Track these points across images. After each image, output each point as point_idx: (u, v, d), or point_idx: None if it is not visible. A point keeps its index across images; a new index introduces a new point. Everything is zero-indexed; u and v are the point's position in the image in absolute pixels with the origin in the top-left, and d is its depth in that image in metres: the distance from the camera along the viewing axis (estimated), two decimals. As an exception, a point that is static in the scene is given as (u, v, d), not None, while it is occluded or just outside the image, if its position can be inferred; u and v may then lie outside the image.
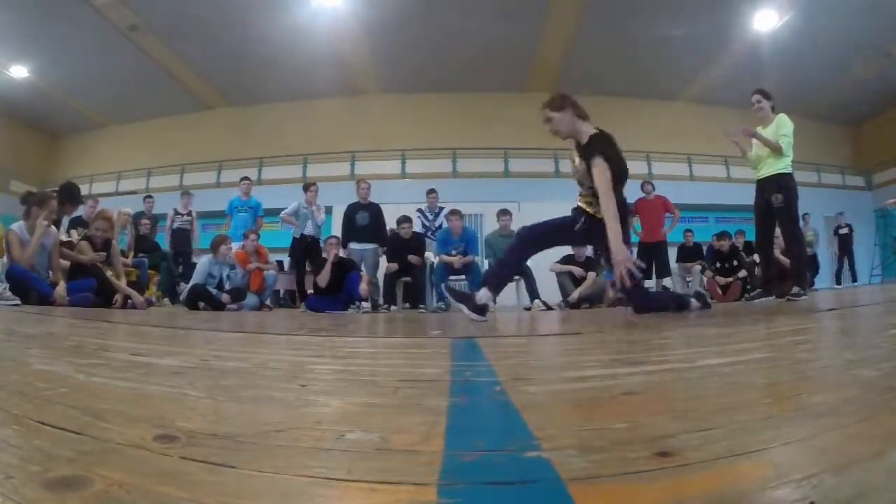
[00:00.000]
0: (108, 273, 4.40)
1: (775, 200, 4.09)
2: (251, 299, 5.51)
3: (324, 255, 5.42)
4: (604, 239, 2.59)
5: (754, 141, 4.33)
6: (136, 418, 0.54)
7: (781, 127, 4.14)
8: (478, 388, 0.76)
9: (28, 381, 0.75)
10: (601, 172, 2.56)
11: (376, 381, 0.84)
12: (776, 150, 4.10)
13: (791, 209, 4.14)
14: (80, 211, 6.14)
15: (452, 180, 11.12)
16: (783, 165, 4.15)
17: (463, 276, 5.86)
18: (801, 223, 10.11)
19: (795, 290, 4.05)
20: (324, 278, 5.20)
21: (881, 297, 3.93)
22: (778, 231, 4.43)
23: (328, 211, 7.07)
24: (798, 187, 4.26)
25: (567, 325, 2.40)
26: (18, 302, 3.68)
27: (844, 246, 10.14)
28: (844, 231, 10.17)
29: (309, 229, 6.21)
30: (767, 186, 4.17)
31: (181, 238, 7.11)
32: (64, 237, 5.04)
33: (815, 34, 9.55)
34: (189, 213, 7.24)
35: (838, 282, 10.30)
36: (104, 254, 4.49)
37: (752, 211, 4.47)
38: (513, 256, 2.90)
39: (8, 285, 3.92)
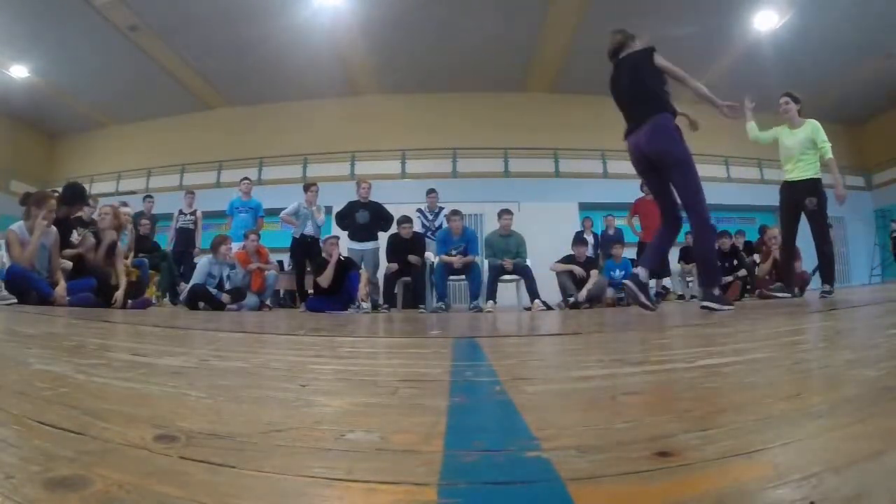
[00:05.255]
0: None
1: (809, 204, 4.27)
2: (251, 299, 5.51)
3: (324, 255, 5.43)
4: None
5: (784, 140, 4.45)
6: (136, 418, 0.54)
7: (819, 132, 4.28)
8: (478, 388, 0.76)
9: (28, 381, 0.75)
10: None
11: (376, 381, 0.84)
12: (834, 166, 4.32)
13: (824, 212, 4.33)
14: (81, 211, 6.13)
15: (452, 180, 11.12)
16: (816, 170, 4.31)
17: (463, 277, 5.86)
18: None
19: (827, 287, 4.19)
20: (326, 278, 5.23)
21: (883, 296, 3.93)
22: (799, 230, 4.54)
23: (328, 211, 7.07)
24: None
25: (567, 325, 2.39)
26: (15, 301, 3.68)
27: None
28: None
29: (309, 229, 6.22)
30: (802, 189, 4.31)
31: (184, 237, 7.11)
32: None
33: (816, 34, 9.55)
34: (193, 213, 7.23)
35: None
36: (92, 238, 4.43)
37: (779, 210, 4.61)
38: None
39: (2, 284, 3.92)
